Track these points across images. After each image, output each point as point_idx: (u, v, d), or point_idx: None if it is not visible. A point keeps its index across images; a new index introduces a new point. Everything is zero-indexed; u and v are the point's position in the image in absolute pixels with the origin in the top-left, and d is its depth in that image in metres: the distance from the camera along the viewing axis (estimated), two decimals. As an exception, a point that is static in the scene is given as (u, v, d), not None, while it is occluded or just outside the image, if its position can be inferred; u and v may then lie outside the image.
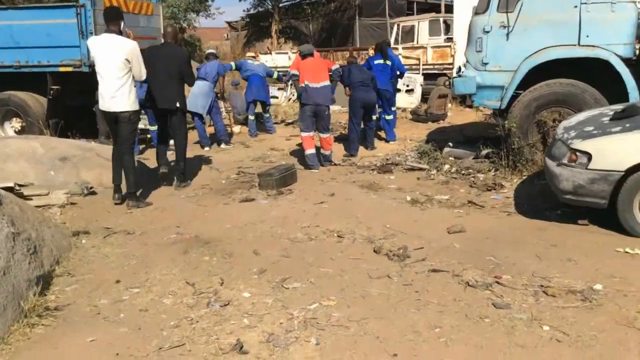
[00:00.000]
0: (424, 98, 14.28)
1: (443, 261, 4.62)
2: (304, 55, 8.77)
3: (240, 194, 6.94)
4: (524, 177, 7.05)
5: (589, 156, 4.90)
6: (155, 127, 10.00)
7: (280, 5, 28.42)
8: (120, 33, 6.47)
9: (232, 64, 12.28)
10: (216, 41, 35.67)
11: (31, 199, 6.16)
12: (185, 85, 9.88)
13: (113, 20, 6.45)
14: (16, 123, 10.60)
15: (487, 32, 7.32)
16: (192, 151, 9.88)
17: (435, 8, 23.33)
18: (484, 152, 8.04)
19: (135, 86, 6.63)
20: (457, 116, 13.39)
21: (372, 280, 4.29)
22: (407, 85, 14.90)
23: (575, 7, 6.94)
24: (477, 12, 7.61)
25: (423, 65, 15.25)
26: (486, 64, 7.40)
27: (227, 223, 5.80)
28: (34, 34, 9.79)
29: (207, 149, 10.29)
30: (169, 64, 7.12)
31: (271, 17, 27.86)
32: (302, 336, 3.46)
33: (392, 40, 18.70)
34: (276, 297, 4.03)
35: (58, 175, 7.00)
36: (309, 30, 29.59)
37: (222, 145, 10.43)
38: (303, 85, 8.28)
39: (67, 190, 6.46)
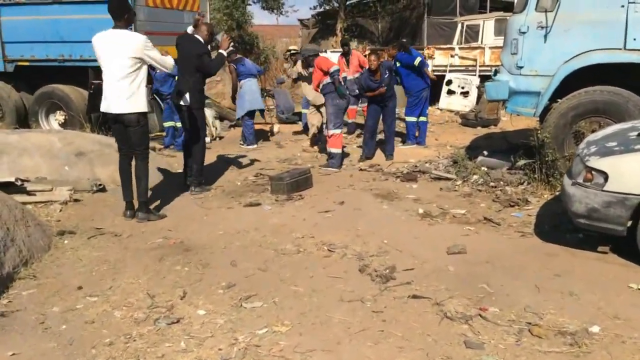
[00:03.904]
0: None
1: (430, 286, 4.17)
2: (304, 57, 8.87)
3: (249, 198, 6.68)
4: (557, 193, 6.40)
5: (606, 176, 4.27)
6: (170, 123, 9.99)
7: (347, 3, 28.06)
8: (126, 28, 5.72)
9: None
10: (287, 39, 35.75)
11: (34, 195, 6.15)
12: (247, 85, 9.86)
13: (117, 14, 5.61)
14: (60, 116, 10.90)
15: (524, 32, 6.68)
16: (224, 149, 9.77)
17: (509, 7, 22.22)
18: (520, 162, 7.40)
19: (148, 85, 6.03)
20: (512, 121, 12.56)
21: (342, 304, 3.90)
22: (462, 87, 14.24)
23: (622, 6, 6.20)
24: (514, 11, 7.00)
25: (480, 66, 14.48)
26: (521, 67, 6.75)
27: (220, 229, 5.56)
28: (77, 28, 9.97)
29: (254, 146, 10.14)
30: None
31: (337, 15, 27.57)
32: (235, 366, 3.15)
33: (455, 40, 18.03)
34: (230, 318, 3.72)
35: (72, 171, 6.98)
36: (376, 29, 29.02)
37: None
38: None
39: (72, 186, 6.38)
